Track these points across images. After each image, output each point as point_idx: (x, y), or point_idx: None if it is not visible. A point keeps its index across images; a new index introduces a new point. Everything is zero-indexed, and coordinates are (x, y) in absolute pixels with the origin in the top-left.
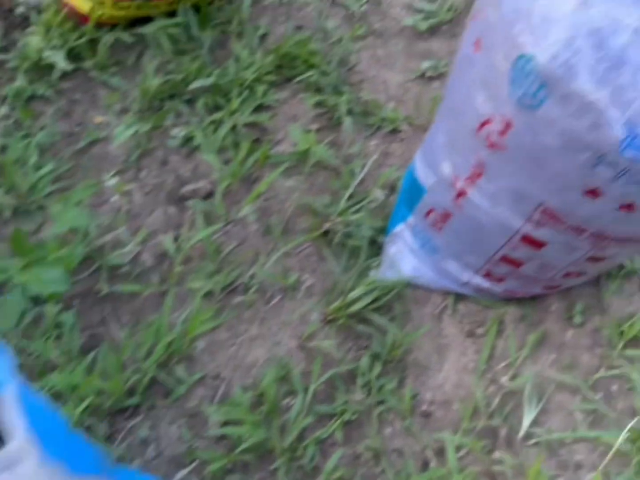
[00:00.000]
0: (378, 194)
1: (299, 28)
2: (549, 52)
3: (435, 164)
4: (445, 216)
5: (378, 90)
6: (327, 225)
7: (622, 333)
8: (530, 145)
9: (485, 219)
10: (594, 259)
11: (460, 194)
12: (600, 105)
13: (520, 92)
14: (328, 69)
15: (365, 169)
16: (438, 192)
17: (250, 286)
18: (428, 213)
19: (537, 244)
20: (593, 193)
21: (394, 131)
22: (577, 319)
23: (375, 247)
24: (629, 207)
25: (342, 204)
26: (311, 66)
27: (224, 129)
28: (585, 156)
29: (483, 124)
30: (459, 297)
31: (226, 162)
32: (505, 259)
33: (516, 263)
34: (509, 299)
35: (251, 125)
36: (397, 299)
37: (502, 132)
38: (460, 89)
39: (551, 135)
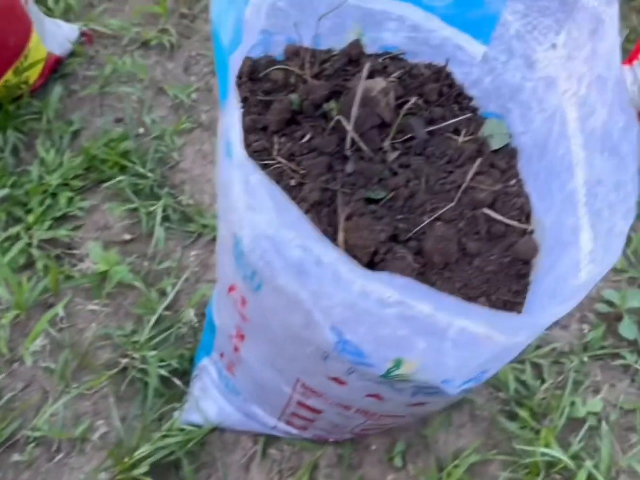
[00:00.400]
0: (191, 316)
1: (118, 121)
2: (248, 242)
3: (219, 308)
4: (232, 364)
5: (202, 191)
6: (125, 361)
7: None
8: (264, 326)
9: (261, 378)
10: (378, 425)
11: (236, 348)
12: (306, 307)
13: (242, 271)
14: (144, 170)
15: (178, 287)
16: (222, 338)
17: (32, 439)
18: (221, 355)
19: (313, 410)
20: (337, 380)
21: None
22: (398, 461)
23: (181, 384)
24: (375, 396)
25: (147, 332)
26: (123, 168)
27: (17, 248)
28: (311, 349)
29: (230, 288)
30: (272, 439)
31: (17, 286)
32: (295, 415)
33: (307, 419)
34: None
35: (51, 240)
36: (199, 447)
37: (242, 304)
38: (220, 231)
39: (276, 322)
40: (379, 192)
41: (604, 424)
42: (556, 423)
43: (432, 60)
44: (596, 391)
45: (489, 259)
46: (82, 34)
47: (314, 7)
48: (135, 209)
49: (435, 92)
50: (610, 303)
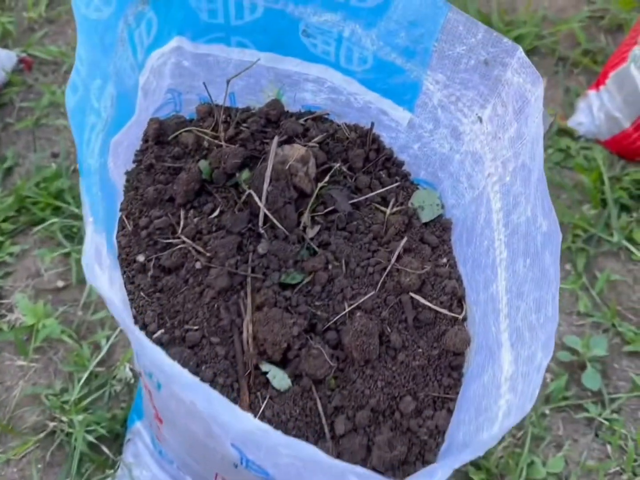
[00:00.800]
0: (126, 372)
1: (54, 156)
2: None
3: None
4: (159, 437)
5: None
6: (53, 424)
7: None
8: (173, 423)
9: (185, 460)
10: None
11: (158, 427)
12: (205, 418)
13: (142, 368)
14: (80, 211)
15: (112, 339)
16: (148, 411)
17: None
18: (150, 424)
19: None
20: None
21: None
22: None
23: (109, 451)
24: None
25: (77, 392)
26: (57, 209)
27: None
28: (219, 456)
29: (140, 373)
30: None
31: None
32: None
33: None
34: None
35: None
36: None
37: (150, 395)
38: None
39: (182, 424)
40: (295, 275)
41: None
42: None
43: (358, 122)
44: (558, 447)
45: (415, 352)
46: (21, 60)
47: (222, 67)
48: (68, 254)
49: (361, 158)
50: (572, 350)
